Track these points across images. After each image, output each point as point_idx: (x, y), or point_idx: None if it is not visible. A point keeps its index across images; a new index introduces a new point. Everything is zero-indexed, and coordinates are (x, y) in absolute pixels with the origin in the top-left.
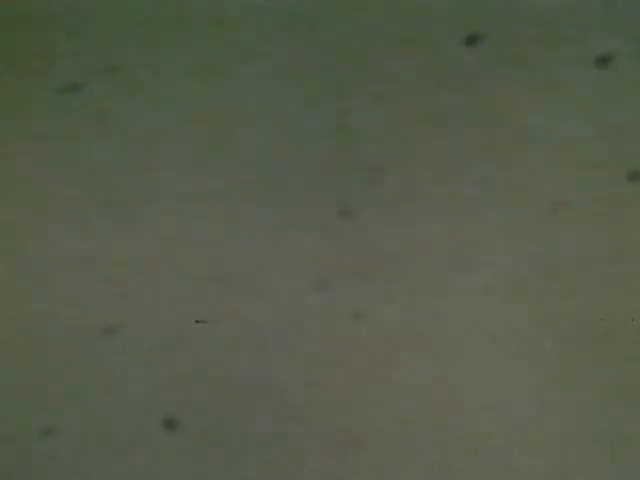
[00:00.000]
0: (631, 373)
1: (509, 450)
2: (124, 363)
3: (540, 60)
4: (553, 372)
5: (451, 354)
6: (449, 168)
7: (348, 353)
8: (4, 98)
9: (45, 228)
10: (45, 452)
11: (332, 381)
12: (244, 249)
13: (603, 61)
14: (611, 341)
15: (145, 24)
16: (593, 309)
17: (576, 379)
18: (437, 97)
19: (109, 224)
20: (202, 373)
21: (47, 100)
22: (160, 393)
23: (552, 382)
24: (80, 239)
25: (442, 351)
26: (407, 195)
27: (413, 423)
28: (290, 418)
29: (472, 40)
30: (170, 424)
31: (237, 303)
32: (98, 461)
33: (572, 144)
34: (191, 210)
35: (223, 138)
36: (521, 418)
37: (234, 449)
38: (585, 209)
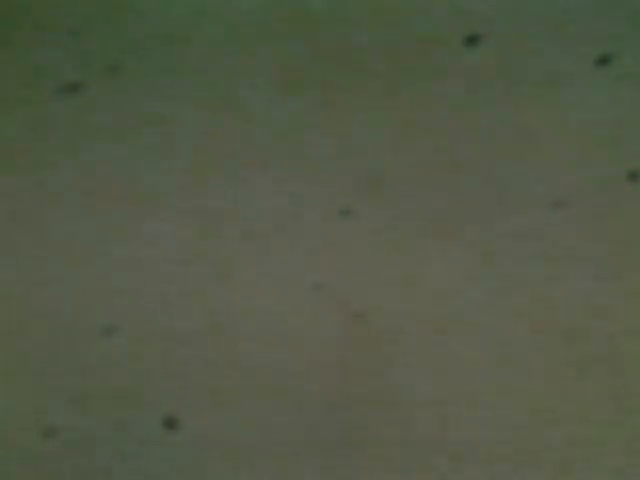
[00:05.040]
0: (631, 374)
1: (509, 450)
2: (124, 363)
3: (540, 60)
4: (552, 370)
5: (451, 354)
6: (449, 168)
7: (348, 353)
8: (4, 98)
9: (45, 228)
10: (45, 452)
11: (332, 381)
12: (244, 249)
13: (603, 61)
14: (610, 341)
15: (145, 24)
16: (593, 309)
17: (576, 378)
18: (437, 97)
19: (109, 224)
20: (202, 373)
21: (47, 100)
22: (160, 393)
23: (551, 380)
24: (80, 239)
25: (442, 351)
26: (406, 195)
27: (413, 423)
28: (290, 418)
29: (472, 40)
30: (170, 424)
31: (238, 303)
32: (98, 461)
33: (572, 144)
34: (191, 210)
35: (223, 137)
36: (521, 420)
37: (234, 449)
38: (585, 209)
